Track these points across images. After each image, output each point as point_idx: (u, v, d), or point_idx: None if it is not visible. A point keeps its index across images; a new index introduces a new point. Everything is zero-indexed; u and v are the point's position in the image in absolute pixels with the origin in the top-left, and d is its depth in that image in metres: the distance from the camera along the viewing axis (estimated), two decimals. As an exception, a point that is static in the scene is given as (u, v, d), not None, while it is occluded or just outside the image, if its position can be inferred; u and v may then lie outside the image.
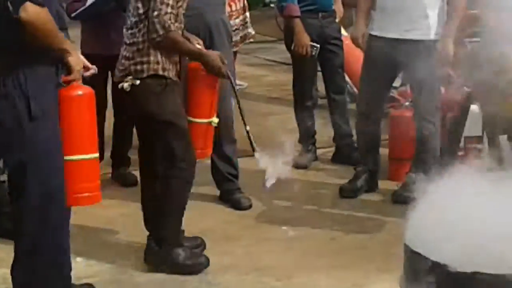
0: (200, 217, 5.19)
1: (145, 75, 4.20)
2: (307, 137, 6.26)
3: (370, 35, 5.38)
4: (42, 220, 3.54)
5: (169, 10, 4.08)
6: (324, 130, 6.54)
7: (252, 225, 5.10)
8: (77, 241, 4.34)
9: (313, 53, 5.93)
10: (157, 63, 4.19)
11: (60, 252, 3.69)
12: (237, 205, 5.35)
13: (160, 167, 4.35)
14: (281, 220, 5.16)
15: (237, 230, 5.02)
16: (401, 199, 5.20)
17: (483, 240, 3.02)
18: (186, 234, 4.65)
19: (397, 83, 6.38)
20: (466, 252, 3.05)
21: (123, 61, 4.27)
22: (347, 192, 5.54)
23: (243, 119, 4.51)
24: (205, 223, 5.10)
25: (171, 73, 4.25)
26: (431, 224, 3.35)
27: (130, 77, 4.21)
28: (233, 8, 7.60)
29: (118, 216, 5.14)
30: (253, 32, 7.44)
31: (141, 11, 4.17)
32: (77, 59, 3.61)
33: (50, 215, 3.55)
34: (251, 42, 8.03)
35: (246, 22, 7.76)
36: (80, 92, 3.62)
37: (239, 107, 4.54)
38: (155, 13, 4.06)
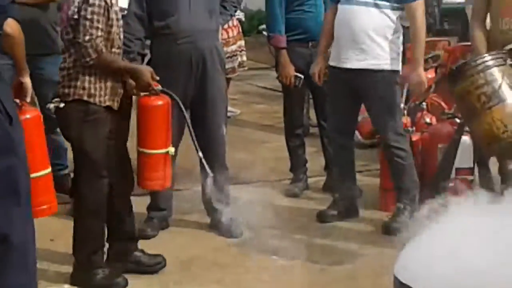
0: (190, 244, 5.19)
1: (70, 99, 4.33)
2: (298, 166, 6.27)
3: (329, 66, 5.44)
4: (28, 222, 3.64)
5: (99, 33, 4.25)
6: (316, 159, 6.55)
7: (241, 254, 5.08)
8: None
9: (297, 84, 5.99)
10: (83, 88, 4.31)
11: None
12: (227, 233, 5.34)
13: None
14: (271, 249, 5.14)
15: (227, 258, 5.01)
16: (391, 230, 5.26)
17: (471, 274, 3.04)
18: (174, 259, 4.72)
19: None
20: (454, 285, 3.06)
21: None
22: (323, 217, 5.56)
23: (195, 145, 4.57)
24: (195, 250, 5.09)
25: (101, 99, 4.33)
26: (420, 257, 3.35)
27: (58, 99, 4.34)
28: (230, 34, 7.66)
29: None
30: (245, 59, 7.51)
31: (70, 36, 4.31)
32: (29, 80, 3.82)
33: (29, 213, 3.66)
34: (244, 69, 8.10)
35: (242, 50, 7.83)
36: (27, 116, 3.88)
37: (190, 132, 4.59)
38: (87, 37, 4.24)
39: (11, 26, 3.54)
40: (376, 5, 5.23)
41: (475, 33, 4.99)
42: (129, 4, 5.20)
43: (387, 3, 5.25)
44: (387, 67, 5.29)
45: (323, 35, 5.53)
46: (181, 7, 5.09)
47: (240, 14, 7.56)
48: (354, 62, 5.27)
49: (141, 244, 5.11)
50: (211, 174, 4.69)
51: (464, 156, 5.75)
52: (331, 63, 5.44)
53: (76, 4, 4.27)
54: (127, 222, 4.67)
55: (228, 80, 7.99)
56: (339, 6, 5.34)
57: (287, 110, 6.24)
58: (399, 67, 5.35)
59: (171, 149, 4.50)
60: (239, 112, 8.79)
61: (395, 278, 3.44)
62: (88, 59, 4.25)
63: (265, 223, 5.51)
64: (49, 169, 4.05)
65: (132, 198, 5.74)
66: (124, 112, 4.49)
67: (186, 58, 5.11)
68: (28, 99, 3.85)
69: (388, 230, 5.34)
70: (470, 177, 5.80)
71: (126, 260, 4.67)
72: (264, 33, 9.27)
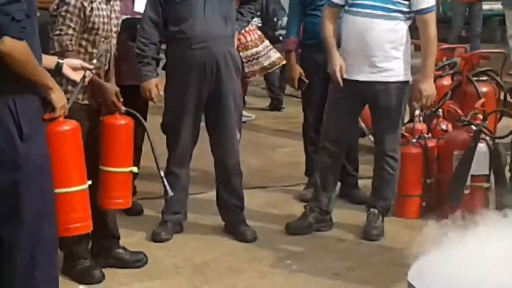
0: (204, 248, 5.18)
1: None
2: (312, 171, 6.25)
3: None
4: (36, 237, 3.56)
5: (70, 31, 4.33)
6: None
7: (256, 258, 5.07)
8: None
9: (301, 87, 5.99)
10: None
11: (55, 267, 3.73)
12: (241, 237, 5.34)
13: None
14: (285, 253, 5.14)
15: (241, 263, 5.00)
16: (369, 236, 5.37)
17: (488, 281, 3.04)
18: (188, 263, 4.74)
19: (405, 119, 6.40)
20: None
21: None
22: (293, 229, 5.45)
23: (155, 160, 4.58)
24: (209, 254, 5.09)
25: (79, 96, 4.35)
26: (435, 265, 3.35)
27: None
28: (248, 38, 7.65)
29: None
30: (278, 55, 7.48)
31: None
32: (59, 95, 3.69)
33: (43, 233, 3.58)
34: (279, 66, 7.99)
35: (270, 49, 7.75)
36: (66, 128, 3.78)
37: (151, 144, 4.58)
38: (56, 32, 4.35)
39: (7, 45, 3.39)
40: (389, 17, 5.18)
41: None
42: (145, 9, 5.21)
43: (400, 15, 5.21)
44: (400, 78, 5.27)
45: (329, 38, 5.32)
46: (196, 13, 5.09)
47: (256, 21, 7.54)
48: (368, 74, 5.23)
49: (155, 247, 5.14)
50: (171, 193, 4.72)
51: (480, 163, 5.73)
52: None
53: (56, 1, 4.41)
54: (109, 220, 4.70)
55: (246, 83, 8.02)
56: (349, 16, 5.25)
57: (305, 114, 6.23)
58: (410, 77, 5.34)
59: (134, 168, 4.49)
60: (254, 117, 8.79)
61: (410, 285, 3.44)
62: (52, 52, 4.31)
63: (279, 228, 5.53)
64: (85, 186, 3.92)
65: (145, 201, 5.82)
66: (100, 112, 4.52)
67: (200, 63, 5.12)
68: (58, 113, 3.69)
69: (366, 236, 5.39)
70: (486, 185, 5.78)
71: (108, 257, 4.74)
72: (281, 38, 9.32)
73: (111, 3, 4.52)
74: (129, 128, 4.46)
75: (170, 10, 5.14)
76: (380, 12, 5.18)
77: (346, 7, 5.29)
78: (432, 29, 5.27)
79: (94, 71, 4.35)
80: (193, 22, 5.10)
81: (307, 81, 5.97)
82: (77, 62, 4.24)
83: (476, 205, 5.74)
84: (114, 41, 4.57)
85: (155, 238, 5.26)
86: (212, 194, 5.54)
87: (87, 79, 4.26)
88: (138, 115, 4.54)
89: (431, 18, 5.28)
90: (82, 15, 4.35)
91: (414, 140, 5.89)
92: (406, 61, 5.29)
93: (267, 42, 7.68)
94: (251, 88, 9.03)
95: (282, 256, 5.10)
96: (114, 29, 4.55)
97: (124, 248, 4.81)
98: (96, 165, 4.36)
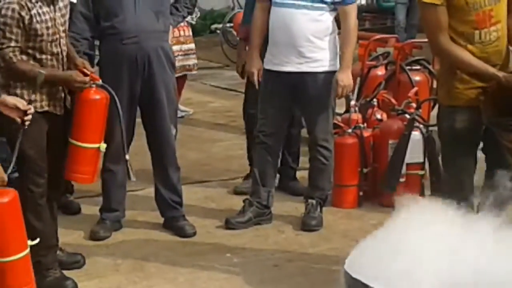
0: (143, 244, 5.17)
1: None
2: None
3: (265, 69, 5.43)
4: None
5: (12, 44, 4.26)
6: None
7: (195, 252, 5.08)
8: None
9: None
10: (17, 95, 4.26)
11: None
12: (181, 232, 5.34)
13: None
14: (225, 247, 5.16)
15: (181, 257, 5.00)
16: (308, 227, 5.42)
17: (421, 268, 3.10)
18: (127, 260, 4.73)
19: (340, 110, 6.46)
20: (404, 279, 3.11)
21: None
22: (232, 224, 5.46)
23: (123, 146, 4.62)
24: (148, 250, 5.08)
25: (37, 104, 4.29)
26: (370, 252, 3.41)
27: None
28: (182, 33, 7.68)
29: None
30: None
31: None
32: None
33: None
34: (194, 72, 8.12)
35: (194, 53, 7.84)
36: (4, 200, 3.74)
37: (121, 130, 4.60)
38: None
39: None
40: (313, 8, 5.23)
41: (454, 49, 4.30)
42: (76, 4, 5.16)
43: (324, 5, 5.26)
44: (327, 68, 5.33)
45: (256, 33, 5.47)
46: (126, 8, 5.07)
47: (189, 18, 7.53)
48: (295, 65, 5.28)
49: (94, 246, 5.11)
50: (133, 179, 4.73)
51: (415, 151, 5.83)
52: (267, 66, 5.42)
53: None
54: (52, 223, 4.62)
55: (184, 77, 8.01)
56: (275, 8, 5.30)
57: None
58: (337, 67, 5.39)
59: (103, 145, 4.47)
60: (192, 111, 8.77)
61: (346, 273, 3.49)
62: None
63: (218, 222, 5.54)
64: (26, 251, 3.85)
65: (84, 199, 5.78)
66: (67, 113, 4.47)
67: (131, 58, 5.10)
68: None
69: (305, 225, 5.44)
70: (421, 172, 5.88)
71: None
72: (218, 31, 9.33)
73: (55, 3, 4.38)
74: (103, 103, 4.41)
75: (101, 5, 5.11)
76: (303, 3, 5.23)
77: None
78: (352, 20, 5.34)
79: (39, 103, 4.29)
80: (124, 17, 5.08)
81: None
82: (12, 102, 4.08)
83: (412, 192, 5.85)
84: (64, 40, 4.45)
85: (94, 236, 5.23)
86: (150, 190, 5.52)
87: (27, 123, 4.10)
88: (110, 89, 4.46)
89: (352, 9, 5.36)
90: (21, 24, 4.26)
91: (349, 130, 5.94)
92: (333, 51, 5.34)
93: (193, 45, 7.83)
94: (189, 82, 9.00)
95: (222, 250, 5.12)
96: (61, 28, 4.43)
97: (61, 249, 4.76)
98: (58, 168, 4.39)
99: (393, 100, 6.25)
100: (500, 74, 4.25)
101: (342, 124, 6.01)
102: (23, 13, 4.26)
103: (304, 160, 6.27)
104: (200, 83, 10.35)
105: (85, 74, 4.40)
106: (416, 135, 5.83)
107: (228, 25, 10.98)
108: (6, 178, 3.76)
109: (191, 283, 4.66)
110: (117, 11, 5.08)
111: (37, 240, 3.99)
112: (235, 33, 8.46)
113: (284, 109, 5.48)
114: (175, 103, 5.46)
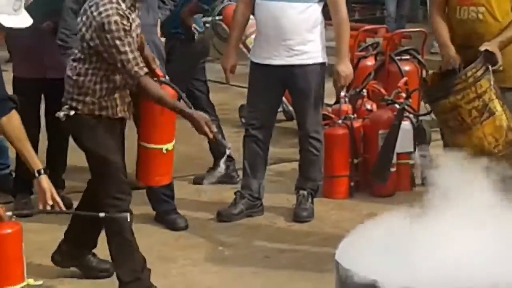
0: (135, 238, 5.17)
1: (79, 112, 4.21)
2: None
3: (254, 63, 5.43)
4: None
5: (133, 55, 4.10)
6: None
7: (188, 246, 5.09)
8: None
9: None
10: (93, 103, 4.19)
11: None
12: (173, 226, 5.35)
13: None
14: (217, 240, 5.17)
15: (173, 251, 5.02)
16: (299, 218, 5.43)
17: (413, 258, 3.11)
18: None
19: (331, 101, 6.48)
20: (396, 269, 3.12)
21: (65, 92, 4.27)
22: (224, 217, 5.48)
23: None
24: (140, 243, 5.01)
25: (110, 112, 4.23)
26: (362, 242, 3.41)
27: (67, 106, 4.22)
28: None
29: (51, 240, 5.07)
30: None
31: (86, 51, 4.16)
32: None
33: None
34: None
35: None
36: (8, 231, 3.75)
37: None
38: (123, 60, 4.07)
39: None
40: (301, 0, 5.24)
41: (436, 22, 4.73)
42: (66, 0, 5.15)
43: None
44: (316, 60, 5.34)
45: (236, 27, 5.47)
46: (117, 2, 5.05)
47: None
48: (284, 58, 5.29)
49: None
50: (228, 145, 4.96)
51: (405, 141, 5.85)
52: (255, 60, 5.43)
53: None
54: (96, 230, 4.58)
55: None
56: (263, 2, 5.29)
57: None
58: (326, 58, 5.40)
59: (169, 146, 4.47)
60: (182, 105, 8.77)
61: (337, 263, 3.49)
62: (130, 82, 4.12)
63: (210, 215, 5.55)
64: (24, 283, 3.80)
65: (75, 195, 5.76)
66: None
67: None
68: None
69: (297, 217, 5.46)
70: (411, 161, 5.90)
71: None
72: (207, 25, 9.26)
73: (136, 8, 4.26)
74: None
75: (91, 1, 5.10)
76: None
77: None
78: (343, 11, 5.34)
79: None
80: (115, 12, 5.06)
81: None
82: (44, 187, 3.98)
83: (402, 182, 5.88)
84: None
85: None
86: (142, 186, 5.52)
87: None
88: (174, 86, 4.42)
89: (342, 0, 5.35)
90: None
91: (340, 121, 5.96)
92: (321, 43, 5.35)
93: None
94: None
95: (214, 243, 5.13)
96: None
97: (94, 255, 4.66)
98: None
99: (382, 90, 6.27)
100: (451, 53, 4.51)
101: (332, 115, 6.03)
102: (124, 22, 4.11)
103: (294, 152, 6.29)
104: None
105: (151, 70, 4.32)
106: (406, 125, 5.85)
107: (217, 18, 10.96)
108: (6, 218, 3.73)
109: (184, 276, 4.67)
110: (108, 5, 5.06)
111: (41, 282, 3.99)
112: (225, 26, 8.48)
113: (273, 102, 5.49)
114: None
